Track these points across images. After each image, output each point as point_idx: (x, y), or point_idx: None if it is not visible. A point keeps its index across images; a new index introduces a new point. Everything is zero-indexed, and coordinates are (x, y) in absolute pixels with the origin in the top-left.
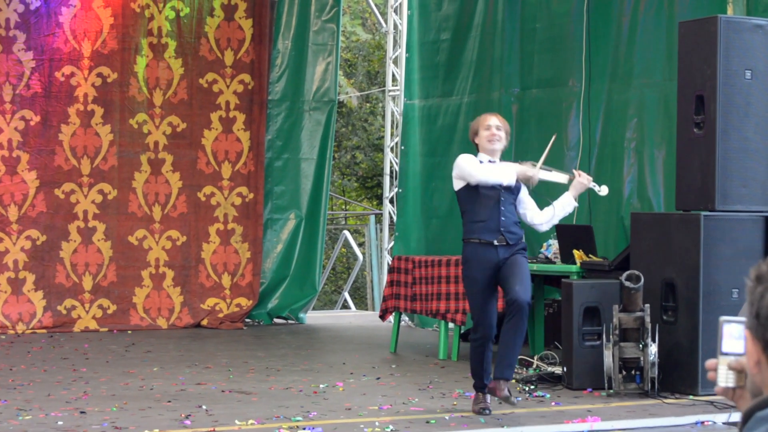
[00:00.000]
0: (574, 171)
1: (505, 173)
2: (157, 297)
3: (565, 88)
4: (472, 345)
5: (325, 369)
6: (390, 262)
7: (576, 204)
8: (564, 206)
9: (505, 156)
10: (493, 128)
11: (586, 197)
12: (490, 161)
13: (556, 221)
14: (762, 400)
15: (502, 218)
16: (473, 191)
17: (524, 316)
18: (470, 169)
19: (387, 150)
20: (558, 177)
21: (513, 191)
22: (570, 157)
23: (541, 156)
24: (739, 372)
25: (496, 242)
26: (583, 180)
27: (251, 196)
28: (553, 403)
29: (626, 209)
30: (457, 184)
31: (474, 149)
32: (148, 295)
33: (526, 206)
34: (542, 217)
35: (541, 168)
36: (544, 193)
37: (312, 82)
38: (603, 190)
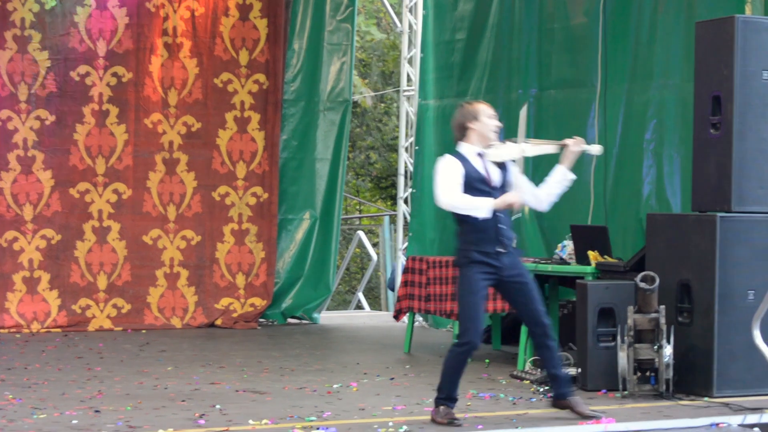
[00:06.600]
0: (566, 140)
1: (481, 208)
2: (171, 296)
3: (584, 89)
4: (454, 353)
5: (339, 369)
6: (404, 263)
7: (573, 176)
8: (559, 181)
9: None
10: (495, 118)
11: (602, 199)
12: (478, 154)
13: (554, 198)
14: None
15: (500, 225)
16: None
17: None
18: (441, 190)
19: (401, 150)
20: (547, 148)
21: (503, 187)
22: (588, 158)
23: (518, 132)
24: None
25: (498, 249)
26: (573, 147)
27: (266, 196)
28: None
29: (644, 210)
30: None
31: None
32: (162, 294)
33: (522, 189)
34: (540, 198)
35: (524, 143)
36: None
37: (327, 82)
38: (594, 149)
